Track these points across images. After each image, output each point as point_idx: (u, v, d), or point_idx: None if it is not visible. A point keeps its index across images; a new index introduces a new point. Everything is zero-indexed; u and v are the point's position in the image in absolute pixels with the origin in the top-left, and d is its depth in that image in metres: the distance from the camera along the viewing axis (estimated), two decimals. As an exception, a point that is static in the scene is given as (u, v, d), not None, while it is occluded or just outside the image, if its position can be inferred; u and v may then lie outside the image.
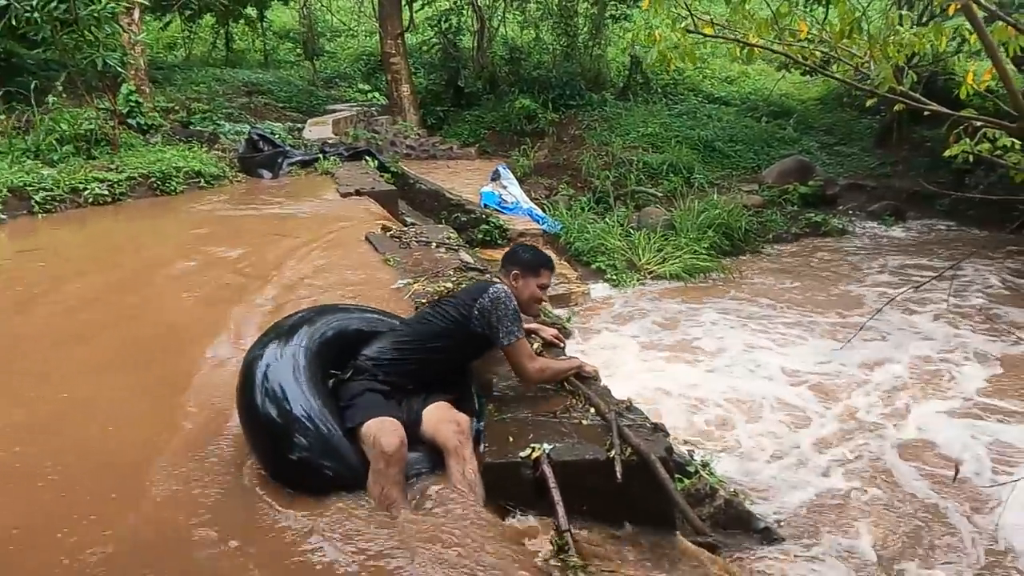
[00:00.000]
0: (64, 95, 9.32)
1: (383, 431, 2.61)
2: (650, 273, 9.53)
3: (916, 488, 5.54)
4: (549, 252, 3.64)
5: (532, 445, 2.69)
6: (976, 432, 6.05)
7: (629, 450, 2.64)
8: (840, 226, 11.51)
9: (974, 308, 8.55)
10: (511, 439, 2.76)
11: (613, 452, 2.62)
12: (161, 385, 3.43)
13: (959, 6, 3.78)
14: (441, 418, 2.77)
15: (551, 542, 2.28)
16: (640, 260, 9.64)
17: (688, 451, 5.61)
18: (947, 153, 4.50)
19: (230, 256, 5.50)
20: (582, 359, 3.29)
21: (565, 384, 3.14)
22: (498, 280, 3.25)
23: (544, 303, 3.25)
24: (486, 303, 2.93)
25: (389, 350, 2.96)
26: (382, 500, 2.54)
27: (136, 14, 9.71)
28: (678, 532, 2.75)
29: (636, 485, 2.60)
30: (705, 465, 5.76)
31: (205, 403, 3.21)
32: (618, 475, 2.52)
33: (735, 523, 5.25)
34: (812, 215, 11.57)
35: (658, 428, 2.84)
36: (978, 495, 5.29)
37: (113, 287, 4.98)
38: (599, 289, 9.21)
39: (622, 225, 10.47)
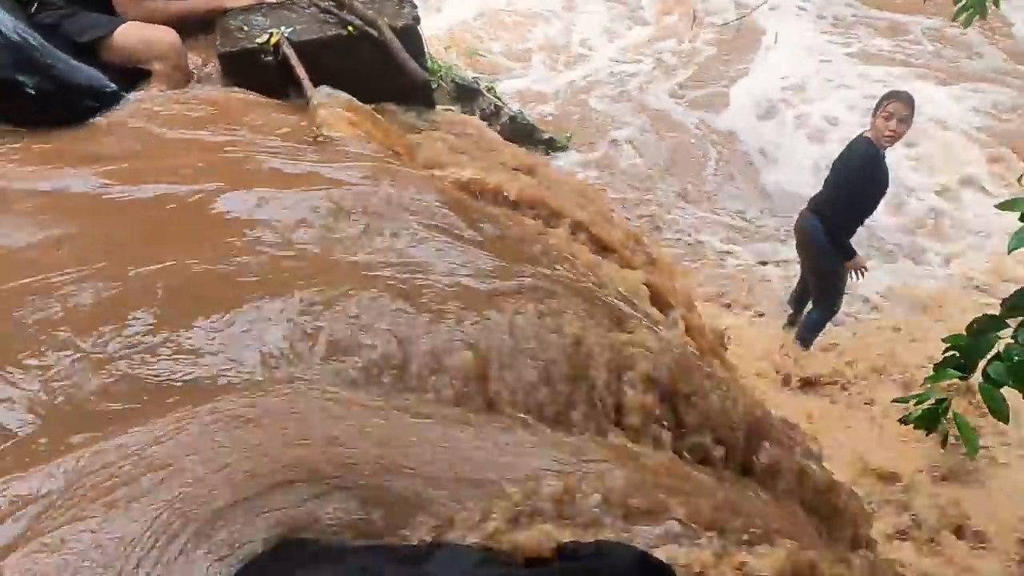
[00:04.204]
0: None
1: (152, 28, 2.44)
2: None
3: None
4: None
5: (270, 31, 2.54)
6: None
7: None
8: None
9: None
10: (245, 29, 2.58)
11: (351, 27, 2.54)
12: None
13: None
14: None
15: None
16: None
17: (473, 76, 5.66)
18: None
19: None
20: None
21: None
22: None
23: None
24: None
25: None
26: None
27: None
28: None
29: (382, 61, 2.57)
30: (491, 89, 5.89)
31: None
32: (386, 39, 2.46)
33: (522, 137, 5.59)
34: None
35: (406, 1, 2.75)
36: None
37: None
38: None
39: None
